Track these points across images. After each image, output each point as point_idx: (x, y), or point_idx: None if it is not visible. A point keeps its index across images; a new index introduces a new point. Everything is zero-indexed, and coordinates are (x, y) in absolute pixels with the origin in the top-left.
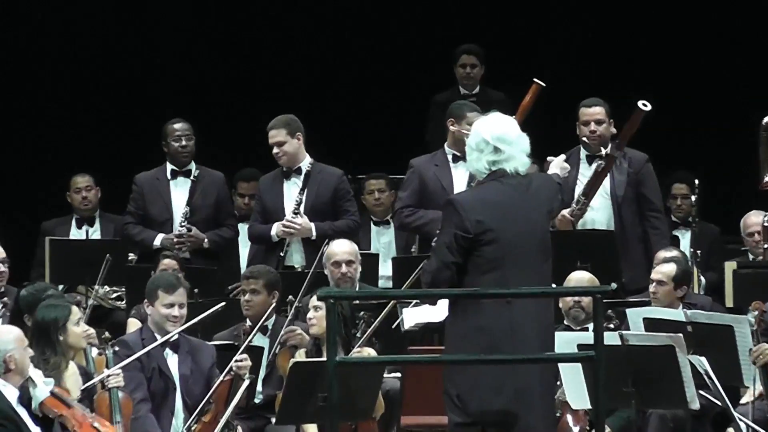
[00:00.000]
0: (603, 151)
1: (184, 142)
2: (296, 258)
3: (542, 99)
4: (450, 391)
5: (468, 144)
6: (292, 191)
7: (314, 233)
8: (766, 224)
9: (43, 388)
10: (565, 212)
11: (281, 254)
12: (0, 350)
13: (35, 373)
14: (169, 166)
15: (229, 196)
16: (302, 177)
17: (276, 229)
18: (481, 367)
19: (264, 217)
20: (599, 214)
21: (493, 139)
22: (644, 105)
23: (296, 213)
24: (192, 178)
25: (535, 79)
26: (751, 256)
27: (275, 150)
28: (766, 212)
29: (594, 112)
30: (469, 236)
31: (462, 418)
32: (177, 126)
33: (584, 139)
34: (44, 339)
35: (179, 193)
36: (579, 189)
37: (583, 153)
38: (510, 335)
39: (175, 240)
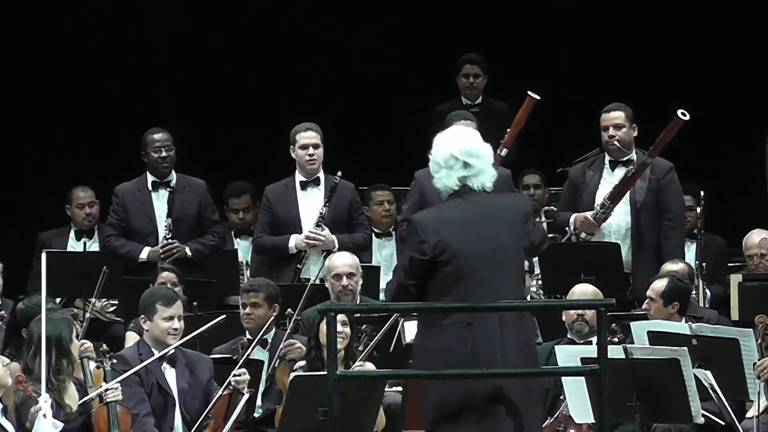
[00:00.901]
0: (627, 157)
1: (164, 153)
2: (313, 270)
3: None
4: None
5: (434, 160)
6: (309, 202)
7: (336, 246)
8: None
9: (48, 427)
10: (589, 215)
11: (298, 266)
12: None
13: (46, 403)
14: (150, 177)
15: (210, 202)
16: (323, 188)
17: (296, 240)
18: (446, 390)
19: (273, 228)
20: (617, 219)
21: (463, 154)
22: (683, 114)
23: (319, 225)
24: (169, 188)
25: (530, 93)
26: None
27: (310, 151)
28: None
29: (612, 117)
30: (426, 258)
31: None
32: (156, 136)
33: (606, 145)
34: (59, 352)
35: (162, 204)
36: (600, 193)
37: (606, 159)
38: (471, 357)
39: (161, 252)
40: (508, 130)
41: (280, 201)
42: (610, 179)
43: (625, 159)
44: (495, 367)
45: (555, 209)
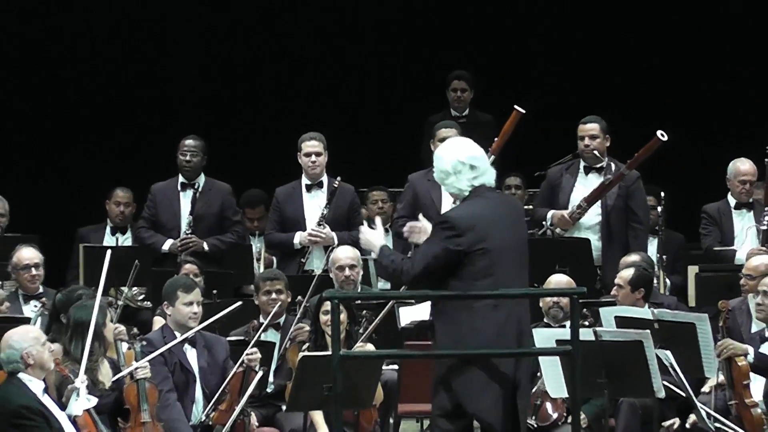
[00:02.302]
0: (600, 164)
1: (188, 158)
2: (316, 263)
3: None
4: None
5: (442, 170)
6: (312, 203)
7: (336, 242)
8: None
9: (83, 403)
10: (566, 213)
11: (302, 260)
12: (17, 348)
13: (83, 387)
14: (180, 178)
15: (233, 204)
16: (325, 190)
17: (300, 237)
18: (475, 369)
19: (281, 226)
20: (589, 218)
21: (468, 159)
22: (662, 135)
23: (320, 224)
24: (195, 189)
25: (516, 106)
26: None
27: (312, 159)
28: None
29: (589, 128)
30: (461, 249)
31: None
32: (187, 142)
33: (583, 152)
34: (94, 336)
35: (187, 202)
36: (575, 195)
37: (581, 164)
38: (497, 336)
39: (180, 245)
40: (496, 139)
41: (287, 201)
42: (584, 182)
43: (598, 166)
44: (514, 344)
45: (532, 207)
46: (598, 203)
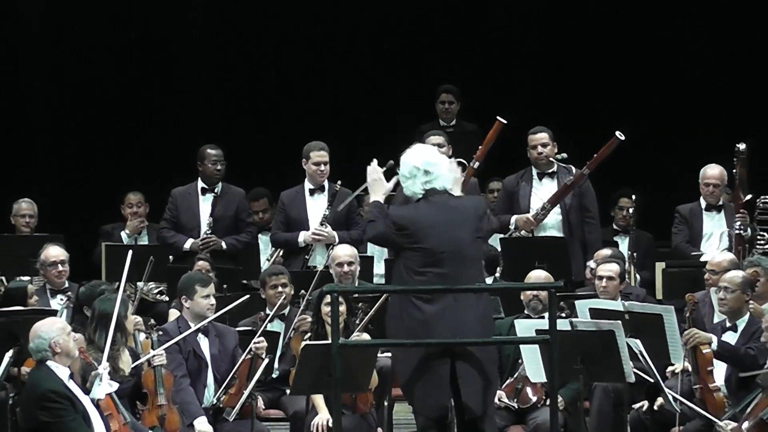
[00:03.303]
0: (551, 169)
1: (219, 167)
2: (318, 259)
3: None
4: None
5: (401, 173)
6: (315, 205)
7: (336, 240)
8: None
9: (105, 388)
10: (530, 216)
11: (306, 257)
12: (45, 338)
13: (105, 373)
14: (200, 183)
15: (247, 207)
16: (327, 194)
17: (304, 236)
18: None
19: (287, 226)
20: (551, 219)
21: (423, 164)
22: (620, 135)
23: (323, 224)
24: (214, 194)
25: (498, 117)
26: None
27: (321, 168)
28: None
29: (539, 137)
30: (397, 242)
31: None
32: (213, 152)
33: (536, 160)
34: (115, 326)
35: (206, 205)
36: (533, 199)
37: (534, 171)
38: (424, 328)
39: (201, 244)
40: (480, 147)
41: (292, 204)
42: (539, 187)
43: (549, 171)
44: (445, 337)
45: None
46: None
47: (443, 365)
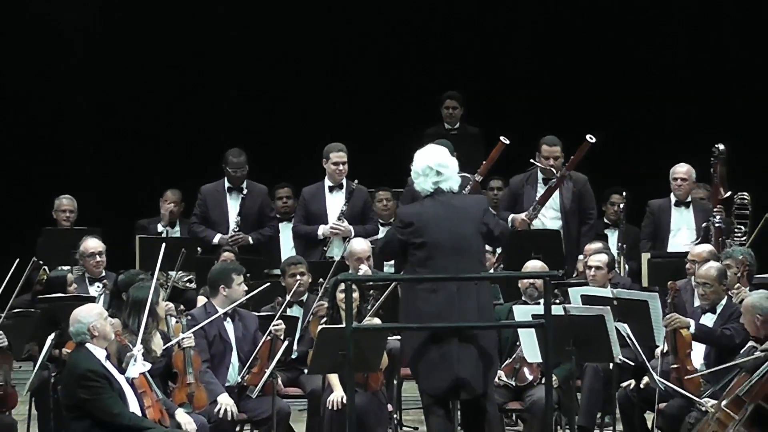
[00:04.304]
0: (556, 175)
1: (238, 174)
2: (335, 251)
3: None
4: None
5: (414, 170)
6: (334, 201)
7: (353, 234)
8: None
9: (139, 368)
10: (524, 216)
11: (324, 248)
12: (84, 323)
13: (139, 354)
14: (227, 183)
15: (270, 203)
16: (344, 191)
17: (323, 229)
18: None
19: (306, 220)
20: (552, 223)
21: (435, 165)
22: (590, 138)
23: (340, 218)
24: (242, 194)
25: (501, 138)
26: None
27: (340, 167)
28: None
29: (553, 150)
30: (403, 239)
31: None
32: (234, 159)
33: (544, 167)
34: (150, 312)
35: (234, 203)
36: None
37: (540, 176)
38: (436, 315)
39: (230, 240)
40: (484, 162)
41: (312, 200)
42: (542, 192)
43: (554, 177)
44: (452, 322)
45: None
46: (557, 208)
47: (447, 348)
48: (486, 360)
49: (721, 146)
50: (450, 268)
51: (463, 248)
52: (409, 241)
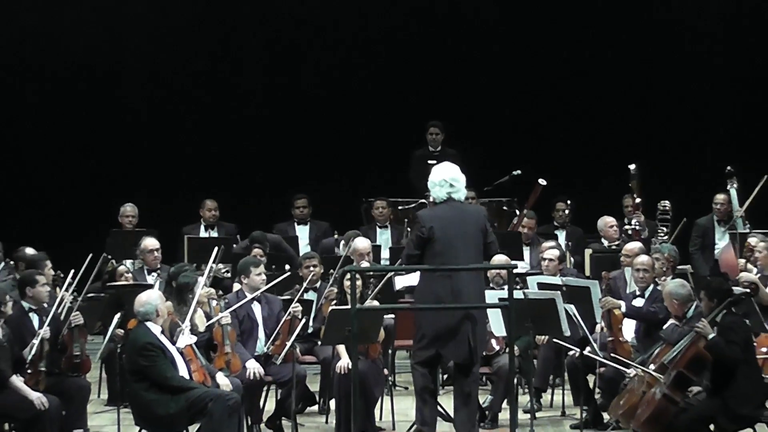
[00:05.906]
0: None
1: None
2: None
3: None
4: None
5: (432, 181)
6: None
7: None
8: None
9: (187, 339)
10: None
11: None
12: (152, 305)
13: (187, 328)
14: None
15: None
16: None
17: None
18: (433, 315)
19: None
20: None
21: (450, 179)
22: (542, 181)
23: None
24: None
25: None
26: (606, 243)
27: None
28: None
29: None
30: (424, 236)
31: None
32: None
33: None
34: (191, 295)
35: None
36: None
37: None
38: (451, 295)
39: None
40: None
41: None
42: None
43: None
44: (467, 301)
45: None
46: None
47: (461, 323)
48: (483, 333)
49: (632, 166)
50: (459, 259)
51: (469, 244)
52: (428, 236)
